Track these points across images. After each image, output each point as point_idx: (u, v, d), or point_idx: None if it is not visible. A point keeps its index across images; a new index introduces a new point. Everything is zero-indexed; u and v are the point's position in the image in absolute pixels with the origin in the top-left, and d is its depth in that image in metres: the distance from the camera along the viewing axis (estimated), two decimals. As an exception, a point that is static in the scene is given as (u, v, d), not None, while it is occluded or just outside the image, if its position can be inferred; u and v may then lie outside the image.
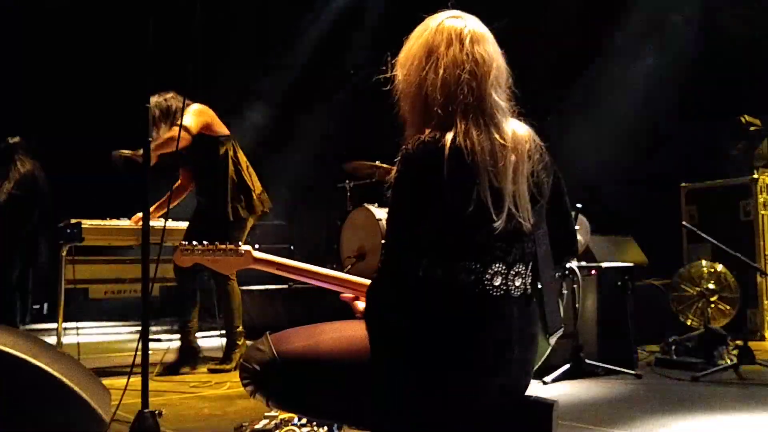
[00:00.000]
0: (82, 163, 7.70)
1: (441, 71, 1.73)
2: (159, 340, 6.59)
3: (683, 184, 6.31)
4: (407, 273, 1.73)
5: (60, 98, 8.71)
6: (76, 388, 2.31)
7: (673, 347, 4.65)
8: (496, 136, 1.74)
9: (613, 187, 6.90)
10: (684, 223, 5.40)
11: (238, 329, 4.62)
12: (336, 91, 8.41)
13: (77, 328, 5.01)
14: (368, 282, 1.96)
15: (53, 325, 4.75)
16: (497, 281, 1.73)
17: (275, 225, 8.62)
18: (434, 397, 1.74)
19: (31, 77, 8.82)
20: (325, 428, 2.52)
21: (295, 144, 9.06)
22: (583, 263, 4.48)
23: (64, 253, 4.58)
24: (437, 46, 1.75)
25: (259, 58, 9.34)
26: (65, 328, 4.71)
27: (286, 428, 2.46)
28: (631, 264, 4.59)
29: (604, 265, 4.42)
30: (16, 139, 6.28)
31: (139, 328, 6.86)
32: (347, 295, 2.04)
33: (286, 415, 2.61)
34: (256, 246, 2.17)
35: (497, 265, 1.73)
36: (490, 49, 1.80)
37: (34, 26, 8.88)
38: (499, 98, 1.80)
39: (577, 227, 4.55)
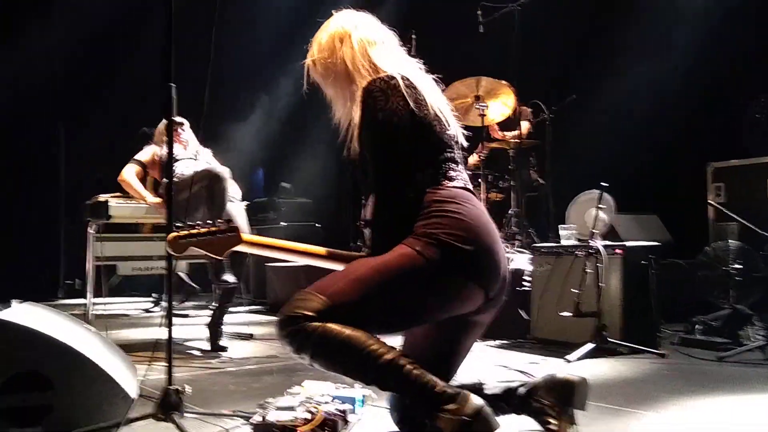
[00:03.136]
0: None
1: (357, 43, 2.22)
2: (186, 316, 6.70)
3: (710, 162, 6.22)
4: (411, 190, 2.08)
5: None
6: (101, 365, 2.36)
7: (698, 327, 4.62)
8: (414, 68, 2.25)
9: (638, 164, 6.82)
10: (710, 201, 5.33)
11: None
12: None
13: (105, 303, 5.10)
14: (358, 254, 2.21)
15: (84, 300, 4.82)
16: (463, 178, 2.19)
17: (301, 203, 8.66)
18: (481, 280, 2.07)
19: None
20: (349, 405, 2.55)
21: (321, 121, 9.04)
22: (608, 242, 4.45)
23: (92, 231, 4.65)
24: (345, 30, 2.25)
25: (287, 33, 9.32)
26: (94, 303, 4.79)
27: (309, 404, 2.48)
28: (656, 243, 4.55)
29: (629, 244, 4.38)
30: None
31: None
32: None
33: (309, 392, 2.64)
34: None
35: (458, 165, 2.20)
36: (383, 28, 2.32)
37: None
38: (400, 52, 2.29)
39: (601, 206, 4.53)
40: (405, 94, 2.09)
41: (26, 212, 9.39)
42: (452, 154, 2.17)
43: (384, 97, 2.07)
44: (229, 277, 4.31)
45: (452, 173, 2.14)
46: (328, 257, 2.24)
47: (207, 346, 4.51)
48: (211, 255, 2.13)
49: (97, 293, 4.77)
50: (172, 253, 2.08)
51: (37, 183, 9.57)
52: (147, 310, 7.32)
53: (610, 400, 2.96)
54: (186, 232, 2.06)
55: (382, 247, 2.05)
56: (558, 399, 2.03)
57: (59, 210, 9.83)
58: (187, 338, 5.06)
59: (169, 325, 2.39)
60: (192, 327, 5.61)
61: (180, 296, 7.34)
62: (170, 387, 2.32)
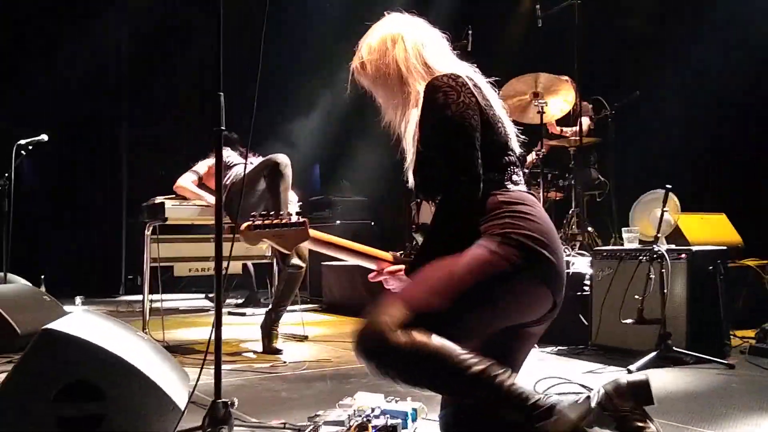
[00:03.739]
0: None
1: (410, 44, 2.15)
2: (243, 314, 6.76)
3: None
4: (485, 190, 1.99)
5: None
6: (152, 376, 2.35)
7: (770, 334, 4.40)
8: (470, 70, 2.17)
9: (705, 161, 6.56)
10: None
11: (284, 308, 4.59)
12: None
13: (162, 300, 5.15)
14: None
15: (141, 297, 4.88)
16: (525, 183, 2.15)
17: (357, 201, 8.65)
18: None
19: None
20: (400, 420, 2.49)
21: (378, 117, 9.01)
22: (672, 246, 4.28)
23: (148, 232, 4.71)
24: (396, 31, 2.18)
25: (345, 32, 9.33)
26: (152, 300, 4.85)
27: (359, 419, 2.43)
28: (723, 247, 4.35)
29: (695, 248, 4.19)
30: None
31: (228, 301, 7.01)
32: (376, 275, 2.18)
33: (360, 404, 2.60)
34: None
35: (519, 170, 2.13)
36: (433, 29, 2.25)
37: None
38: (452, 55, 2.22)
39: (666, 209, 4.35)
40: (474, 92, 2.03)
41: (90, 210, 9.66)
42: (514, 158, 2.11)
43: (454, 92, 2.00)
44: (298, 261, 4.35)
45: (515, 177, 2.09)
46: (393, 262, 2.14)
47: (261, 347, 4.52)
48: (280, 248, 2.09)
49: (155, 291, 4.83)
50: (245, 243, 2.06)
51: (100, 181, 9.81)
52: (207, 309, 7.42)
53: (673, 417, 2.82)
54: (260, 222, 2.02)
55: (443, 248, 1.97)
56: (637, 401, 1.91)
57: (121, 207, 10.07)
58: (242, 339, 5.09)
59: (218, 338, 2.36)
60: (248, 327, 5.65)
61: (243, 294, 7.43)
62: (218, 400, 2.29)
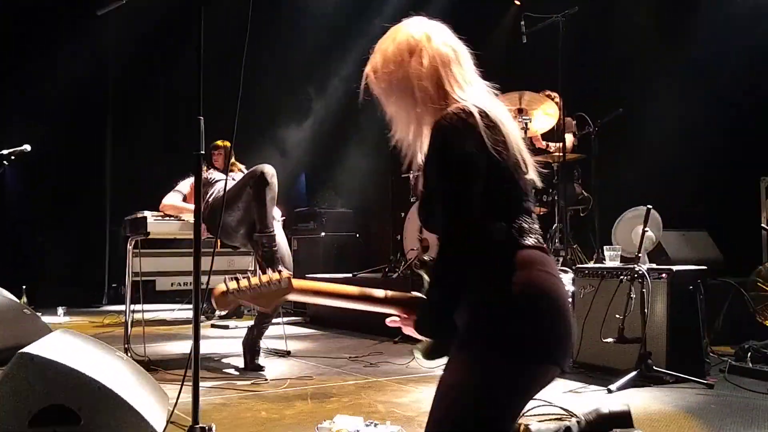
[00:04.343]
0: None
1: (429, 60, 1.92)
2: (226, 327, 6.73)
3: (763, 177, 5.99)
4: (486, 241, 1.81)
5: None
6: (129, 400, 2.34)
7: (749, 353, 4.44)
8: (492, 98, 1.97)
9: (687, 178, 6.61)
10: (763, 225, 5.12)
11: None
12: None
13: (143, 311, 5.11)
14: (415, 295, 1.95)
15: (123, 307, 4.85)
16: (536, 232, 1.90)
17: (342, 213, 8.65)
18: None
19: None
20: (378, 444, 2.49)
21: (361, 133, 9.04)
22: (653, 265, 4.30)
23: (131, 246, 4.69)
24: (416, 41, 1.94)
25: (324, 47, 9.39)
26: (133, 311, 4.82)
27: (337, 443, 2.43)
28: (703, 267, 4.37)
29: (675, 268, 4.22)
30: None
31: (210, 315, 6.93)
32: (395, 320, 1.98)
33: (339, 430, 2.60)
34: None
35: (531, 217, 1.91)
36: (456, 39, 2.00)
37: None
38: (473, 72, 2.00)
39: (647, 227, 4.38)
40: (484, 135, 1.82)
41: (73, 219, 9.60)
42: (527, 204, 1.91)
43: (459, 136, 1.81)
44: (284, 269, 4.28)
45: (526, 226, 1.87)
46: (385, 301, 1.96)
47: (243, 363, 4.50)
48: (260, 308, 1.95)
49: (138, 302, 4.80)
50: (217, 308, 1.92)
51: (83, 191, 9.76)
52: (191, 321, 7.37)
53: (653, 440, 2.84)
54: (235, 287, 1.85)
55: (441, 297, 1.84)
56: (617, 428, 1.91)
57: (104, 217, 10.02)
58: (224, 353, 5.07)
59: (196, 362, 2.35)
60: (231, 340, 5.63)
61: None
62: (196, 426, 2.28)
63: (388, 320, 2.01)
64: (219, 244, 4.40)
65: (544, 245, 1.90)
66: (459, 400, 1.77)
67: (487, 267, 1.80)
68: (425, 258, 1.98)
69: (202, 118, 2.30)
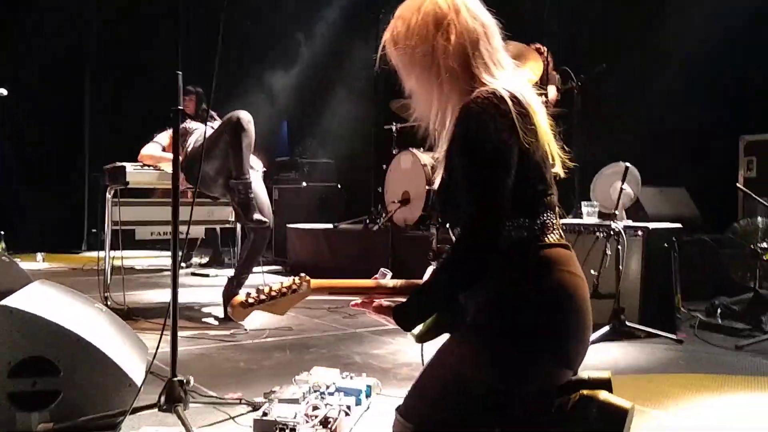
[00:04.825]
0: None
1: (457, 37, 1.77)
2: (207, 276, 6.77)
3: (742, 135, 6.04)
4: (508, 237, 1.72)
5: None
6: (108, 353, 2.37)
7: (719, 310, 4.55)
8: (522, 80, 1.81)
9: (667, 136, 6.65)
10: (739, 185, 5.18)
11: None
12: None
13: (123, 258, 5.11)
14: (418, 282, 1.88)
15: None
16: (558, 228, 1.80)
17: (324, 163, 8.63)
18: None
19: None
20: (353, 397, 2.55)
21: (344, 83, 8.96)
22: (630, 222, 4.36)
23: (110, 195, 4.67)
24: (444, 14, 1.78)
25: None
26: (113, 258, 4.82)
27: (312, 396, 2.48)
28: (678, 225, 4.44)
29: (651, 225, 4.28)
30: None
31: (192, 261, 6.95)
32: (357, 303, 1.92)
33: (315, 382, 2.64)
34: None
35: (554, 212, 1.79)
36: (486, 11, 1.84)
37: None
38: (503, 51, 1.85)
39: (626, 184, 4.42)
40: (516, 123, 1.69)
41: (52, 165, 9.51)
42: (552, 198, 1.80)
43: (491, 122, 1.68)
44: (260, 216, 4.29)
45: (549, 222, 1.77)
46: (395, 291, 1.89)
47: (222, 313, 4.54)
48: (274, 313, 1.86)
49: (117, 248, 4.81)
50: (233, 318, 1.84)
51: (61, 136, 9.65)
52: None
53: (619, 394, 2.90)
54: (254, 299, 1.79)
55: (453, 290, 1.78)
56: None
57: (84, 162, 9.93)
58: (204, 302, 5.11)
59: (174, 315, 2.38)
60: (211, 289, 5.67)
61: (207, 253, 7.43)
62: (174, 379, 2.32)
63: (351, 303, 1.94)
64: (189, 194, 4.40)
65: (566, 241, 1.82)
66: (461, 384, 1.73)
67: (507, 264, 1.72)
68: (440, 249, 1.88)
69: (180, 73, 2.28)
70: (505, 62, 1.83)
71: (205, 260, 7.78)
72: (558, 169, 1.83)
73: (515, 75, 1.83)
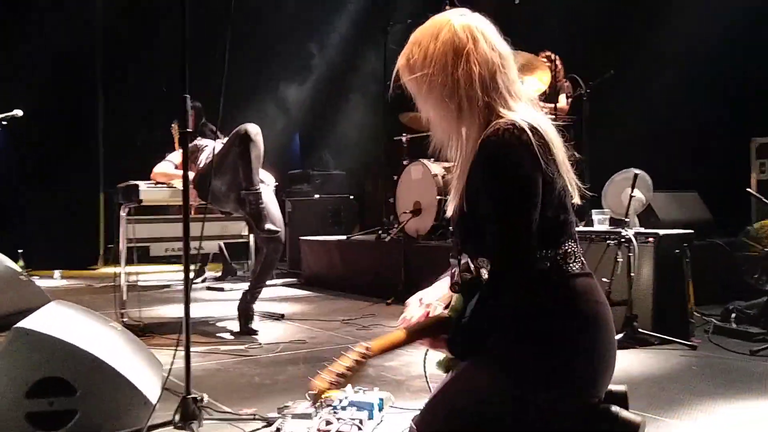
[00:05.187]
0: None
1: (475, 67, 1.76)
2: (221, 290, 6.82)
3: (754, 138, 6.02)
4: (534, 270, 1.73)
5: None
6: (123, 372, 2.41)
7: (734, 315, 4.53)
8: (539, 111, 1.81)
9: (678, 140, 6.64)
10: (749, 190, 5.16)
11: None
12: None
13: (137, 273, 5.16)
14: (440, 316, 1.88)
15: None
16: (581, 255, 1.81)
17: (335, 174, 8.67)
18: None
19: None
20: (366, 411, 2.57)
21: (354, 95, 9.01)
22: (641, 229, 4.36)
23: (124, 213, 4.73)
24: (463, 44, 1.77)
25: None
26: (128, 273, 4.89)
27: (325, 410, 2.51)
28: (690, 231, 4.43)
29: (662, 232, 4.28)
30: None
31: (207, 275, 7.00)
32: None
33: (328, 396, 2.67)
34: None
35: (576, 242, 1.80)
36: (503, 41, 1.84)
37: None
38: (518, 82, 1.85)
39: (637, 189, 4.42)
40: (538, 154, 1.69)
41: (67, 182, 9.60)
42: (572, 226, 1.81)
43: (514, 155, 1.69)
44: (272, 226, 4.33)
45: (571, 251, 1.78)
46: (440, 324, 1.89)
47: (238, 327, 4.57)
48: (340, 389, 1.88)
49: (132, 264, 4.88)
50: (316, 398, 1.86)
51: (76, 153, 9.75)
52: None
53: (632, 403, 2.89)
54: (332, 379, 1.75)
55: (486, 326, 1.78)
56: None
57: (98, 179, 10.04)
58: (219, 317, 5.15)
59: (188, 334, 2.41)
60: (226, 303, 5.71)
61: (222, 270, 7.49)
62: (188, 396, 2.35)
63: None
64: (193, 210, 4.45)
65: (589, 270, 1.83)
66: (483, 412, 1.74)
67: (533, 296, 1.73)
68: (463, 278, 1.89)
69: (188, 96, 2.32)
70: (522, 94, 1.83)
71: (218, 274, 7.83)
72: (576, 199, 1.83)
73: (531, 106, 1.83)
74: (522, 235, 1.69)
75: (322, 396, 1.79)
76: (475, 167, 1.76)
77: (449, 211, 1.91)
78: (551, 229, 1.75)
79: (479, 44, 1.78)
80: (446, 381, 1.84)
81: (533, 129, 1.70)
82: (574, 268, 1.76)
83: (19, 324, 2.38)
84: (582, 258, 1.81)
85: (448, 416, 1.77)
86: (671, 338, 4.04)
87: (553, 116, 6.05)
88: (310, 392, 2.74)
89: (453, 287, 1.89)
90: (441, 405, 1.81)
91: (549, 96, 6.43)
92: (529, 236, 1.69)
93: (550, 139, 1.74)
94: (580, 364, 1.73)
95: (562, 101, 6.43)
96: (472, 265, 1.83)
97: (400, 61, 1.86)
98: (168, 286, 7.21)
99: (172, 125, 6.19)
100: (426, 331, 1.87)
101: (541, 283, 1.73)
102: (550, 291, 1.74)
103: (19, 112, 6.09)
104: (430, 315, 1.90)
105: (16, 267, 5.93)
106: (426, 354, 2.08)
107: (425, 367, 2.01)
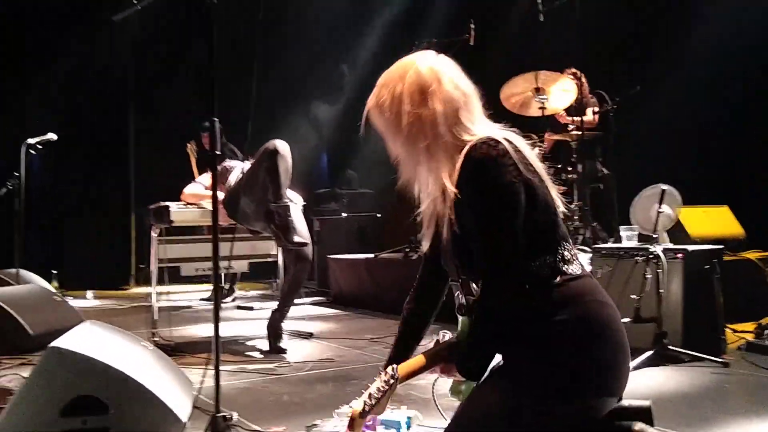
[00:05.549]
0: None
1: (440, 105, 1.87)
2: (251, 309, 6.87)
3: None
4: (532, 278, 1.78)
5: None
6: (154, 390, 2.45)
7: (767, 331, 4.46)
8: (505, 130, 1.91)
9: (707, 154, 6.58)
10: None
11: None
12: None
13: (169, 293, 5.22)
14: (446, 342, 1.95)
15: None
16: (577, 257, 1.88)
17: (362, 193, 8.71)
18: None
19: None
20: (394, 430, 2.58)
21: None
22: (669, 245, 4.33)
23: (155, 234, 4.82)
24: (428, 85, 1.88)
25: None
26: (159, 293, 4.97)
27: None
28: (719, 246, 4.38)
29: (690, 248, 4.24)
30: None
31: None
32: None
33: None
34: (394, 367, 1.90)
35: (569, 242, 1.87)
36: (466, 79, 1.95)
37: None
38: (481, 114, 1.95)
39: (664, 205, 4.40)
40: (516, 161, 1.78)
41: (99, 203, 9.79)
42: (564, 230, 1.87)
43: (495, 166, 1.76)
44: (300, 239, 4.37)
45: (567, 254, 1.84)
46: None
47: (267, 345, 4.61)
48: (379, 414, 1.91)
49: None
50: (351, 424, 1.89)
51: (107, 174, 9.94)
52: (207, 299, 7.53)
53: (662, 421, 2.88)
54: (367, 403, 1.85)
55: (490, 343, 1.83)
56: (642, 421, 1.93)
57: (129, 199, 10.21)
58: (249, 336, 5.20)
59: (217, 353, 2.45)
60: (256, 322, 5.76)
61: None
62: (217, 415, 2.39)
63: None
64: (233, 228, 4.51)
65: (588, 271, 1.88)
66: (501, 427, 1.76)
67: (535, 305, 1.76)
68: (465, 301, 1.94)
69: (216, 119, 2.38)
70: (485, 121, 1.93)
71: (250, 293, 7.90)
72: (561, 208, 1.88)
73: (497, 127, 1.92)
74: (506, 242, 1.75)
75: (359, 421, 1.86)
76: (459, 187, 1.81)
77: (424, 247, 2.01)
78: (544, 234, 1.81)
79: (443, 84, 1.88)
80: (468, 400, 1.87)
81: (506, 139, 1.81)
82: (573, 271, 1.82)
83: (54, 343, 2.44)
84: (580, 261, 1.87)
85: None
86: (702, 355, 3.99)
87: (579, 133, 6.06)
88: (337, 411, 2.78)
89: (459, 310, 1.95)
90: (457, 424, 1.84)
91: (576, 111, 6.43)
92: (514, 243, 1.74)
93: (523, 148, 1.83)
94: (586, 366, 1.75)
95: (589, 115, 6.43)
96: (475, 287, 1.88)
97: (370, 102, 1.96)
98: (189, 306, 7.27)
99: (188, 144, 6.39)
100: (438, 357, 1.93)
101: (542, 289, 1.77)
102: (551, 295, 1.77)
103: (53, 136, 6.26)
104: (446, 343, 1.95)
105: (51, 287, 6.08)
106: (435, 382, 2.13)
107: (434, 395, 2.04)
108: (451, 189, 1.83)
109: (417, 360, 1.94)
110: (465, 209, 1.80)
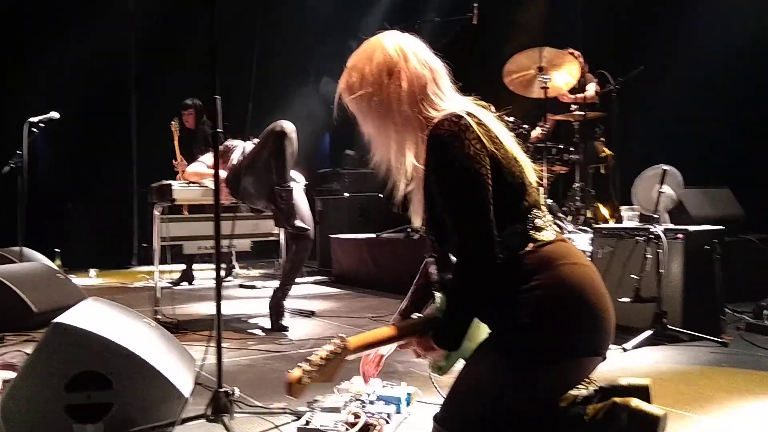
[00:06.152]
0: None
1: (406, 84, 1.91)
2: (254, 287, 6.91)
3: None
4: (505, 247, 1.80)
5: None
6: (157, 366, 2.48)
7: (766, 312, 4.48)
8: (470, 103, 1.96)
9: (709, 135, 6.56)
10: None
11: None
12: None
13: (171, 271, 5.20)
14: (422, 318, 2.01)
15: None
16: (550, 223, 1.91)
17: (364, 173, 8.69)
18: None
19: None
20: (393, 405, 2.61)
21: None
22: (670, 226, 4.34)
23: (157, 213, 4.83)
24: (395, 63, 1.93)
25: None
26: (161, 271, 4.99)
27: (354, 404, 2.55)
28: (720, 227, 4.39)
29: (691, 228, 4.25)
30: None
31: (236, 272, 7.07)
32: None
33: (357, 389, 2.71)
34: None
35: (541, 209, 1.90)
36: (433, 56, 2.00)
37: None
38: (450, 88, 1.99)
39: (666, 184, 4.40)
40: (480, 133, 1.81)
41: (101, 182, 9.79)
42: (535, 197, 1.89)
43: (458, 141, 1.79)
44: (302, 224, 4.40)
45: (539, 221, 1.86)
46: (424, 324, 2.00)
47: (269, 324, 4.64)
48: (326, 381, 1.93)
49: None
50: (292, 398, 1.91)
51: (110, 153, 9.93)
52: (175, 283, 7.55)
53: (661, 399, 2.89)
54: (306, 369, 1.86)
55: (464, 314, 1.86)
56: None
57: (132, 178, 10.22)
58: (251, 314, 5.23)
59: (218, 329, 2.47)
60: (258, 300, 5.80)
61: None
62: (220, 390, 2.41)
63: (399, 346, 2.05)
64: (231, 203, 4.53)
65: (563, 235, 1.91)
66: (490, 398, 1.81)
67: (509, 272, 1.79)
68: (439, 277, 1.97)
69: (218, 97, 2.38)
70: (454, 95, 1.97)
71: (253, 272, 7.93)
72: (532, 178, 1.92)
73: (465, 101, 1.96)
74: (474, 215, 1.78)
75: (296, 386, 1.87)
76: (426, 164, 1.87)
77: (415, 222, 2.03)
78: (511, 202, 1.84)
79: (410, 61, 1.93)
80: (459, 375, 1.89)
81: (470, 113, 1.85)
82: (545, 237, 1.85)
83: (57, 319, 2.46)
84: (554, 226, 1.90)
85: (465, 410, 1.84)
86: (702, 335, 4.01)
87: (582, 115, 6.05)
88: (338, 386, 2.81)
89: (433, 285, 1.99)
90: (457, 400, 1.87)
91: (577, 90, 6.41)
92: (485, 213, 1.77)
93: (488, 121, 1.87)
94: (567, 328, 1.79)
95: (591, 90, 6.42)
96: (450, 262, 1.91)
97: (340, 84, 2.00)
98: (204, 283, 7.32)
99: (171, 123, 6.39)
100: (413, 329, 1.98)
101: (515, 257, 1.81)
102: (523, 263, 1.81)
103: (55, 115, 6.25)
104: (406, 323, 2.03)
105: (54, 266, 6.11)
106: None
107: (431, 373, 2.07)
108: (419, 166, 1.89)
109: (381, 331, 1.98)
110: (434, 185, 1.85)
